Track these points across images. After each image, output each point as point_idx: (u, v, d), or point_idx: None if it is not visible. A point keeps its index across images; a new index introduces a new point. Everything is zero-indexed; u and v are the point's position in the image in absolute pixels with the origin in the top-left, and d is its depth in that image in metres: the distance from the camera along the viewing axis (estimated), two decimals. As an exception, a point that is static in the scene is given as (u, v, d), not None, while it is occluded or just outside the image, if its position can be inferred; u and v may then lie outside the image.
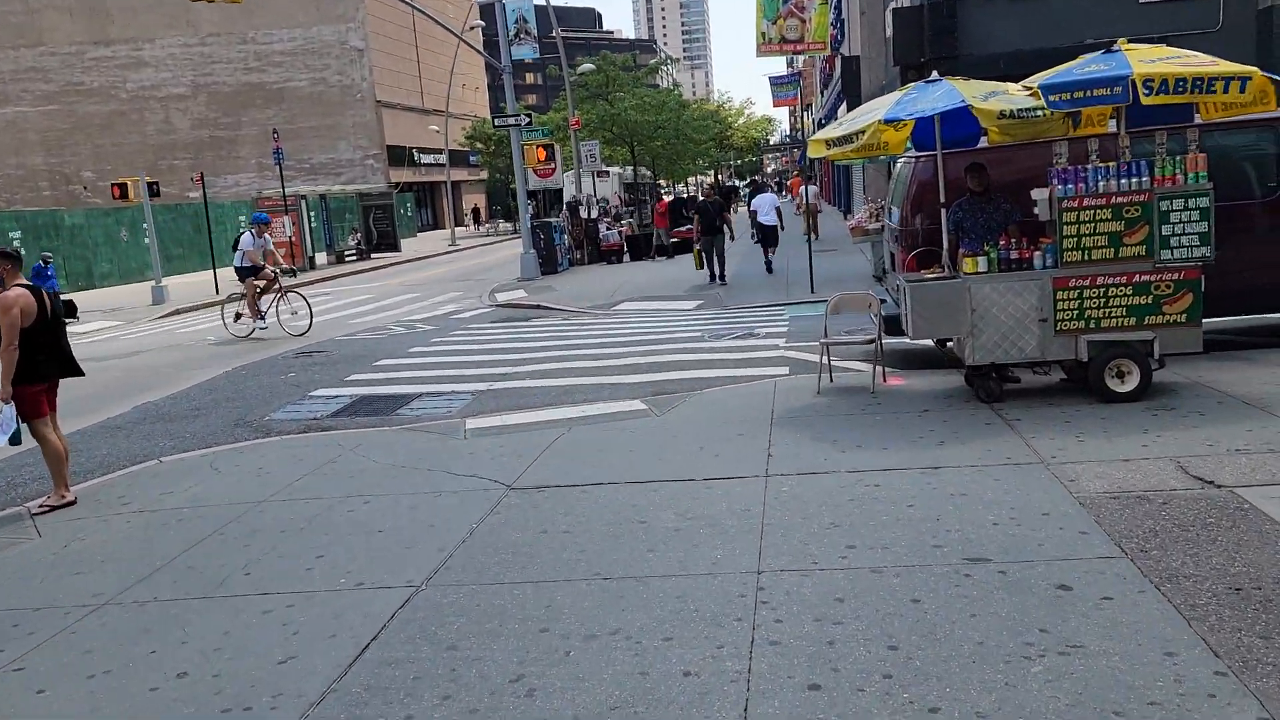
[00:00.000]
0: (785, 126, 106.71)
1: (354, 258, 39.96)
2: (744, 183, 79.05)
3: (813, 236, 25.41)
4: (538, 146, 25.71)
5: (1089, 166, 7.76)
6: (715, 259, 20.25)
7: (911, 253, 9.91)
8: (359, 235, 41.14)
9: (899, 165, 11.34)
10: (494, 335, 15.98)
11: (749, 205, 31.41)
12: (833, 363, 9.86)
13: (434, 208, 70.40)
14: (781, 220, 23.66)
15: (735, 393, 9.71)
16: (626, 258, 28.87)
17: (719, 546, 5.44)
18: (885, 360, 9.60)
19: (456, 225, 63.88)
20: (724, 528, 5.73)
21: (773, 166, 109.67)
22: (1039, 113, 7.62)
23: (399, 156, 61.69)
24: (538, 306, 20.05)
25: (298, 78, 59.78)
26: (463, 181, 70.15)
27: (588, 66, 36.49)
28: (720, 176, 79.31)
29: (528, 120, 24.69)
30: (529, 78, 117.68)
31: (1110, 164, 7.73)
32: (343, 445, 8.77)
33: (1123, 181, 7.68)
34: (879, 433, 7.51)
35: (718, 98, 77.76)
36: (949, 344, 9.04)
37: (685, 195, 41.62)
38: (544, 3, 30.24)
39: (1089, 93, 7.41)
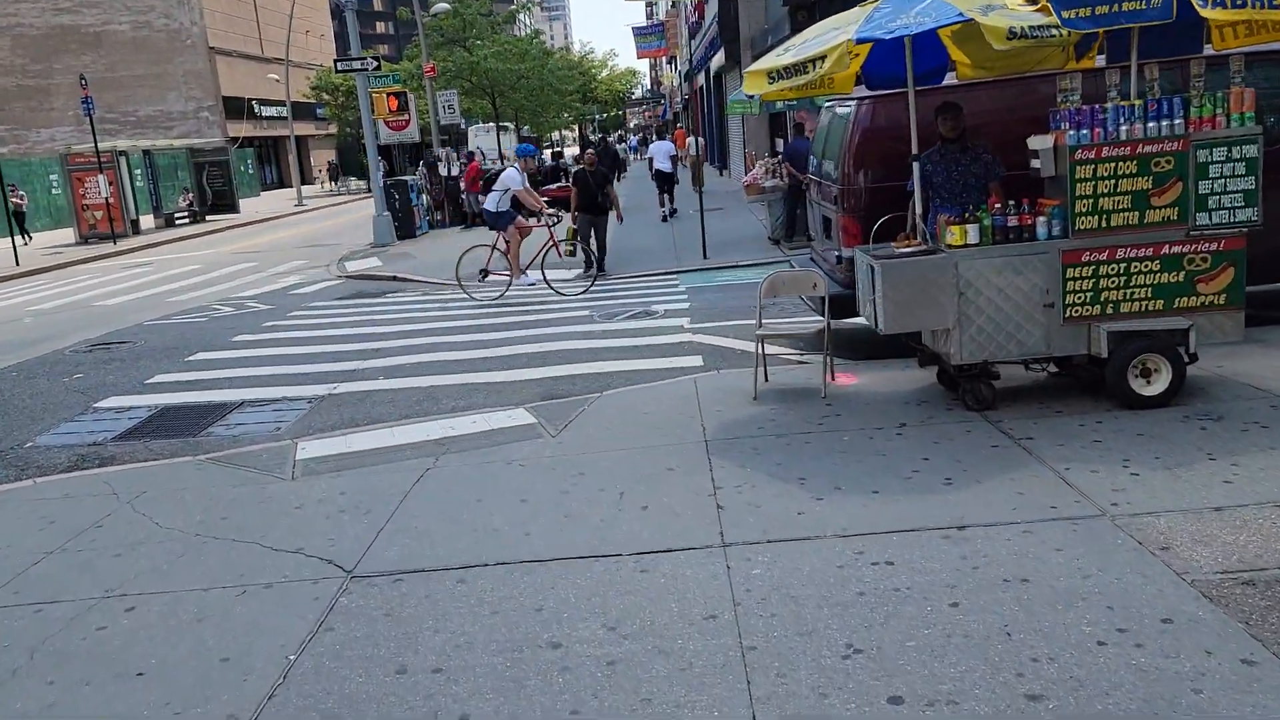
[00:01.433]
0: (647, 81, 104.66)
1: (185, 221, 35.94)
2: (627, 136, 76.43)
3: (700, 190, 24.34)
4: (388, 95, 22.84)
5: (1109, 106, 6.02)
6: (596, 242, 15.39)
7: (852, 215, 8.07)
8: (190, 196, 37.02)
9: (828, 111, 9.46)
10: (340, 317, 13.48)
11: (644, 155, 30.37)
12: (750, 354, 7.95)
13: (279, 165, 65.42)
14: (676, 168, 23.63)
15: (647, 397, 7.69)
16: (492, 219, 26.34)
17: (684, 701, 3.43)
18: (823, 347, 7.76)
19: (305, 183, 59.37)
20: (683, 656, 3.72)
21: (635, 121, 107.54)
22: (1054, 32, 5.80)
23: (237, 108, 56.69)
24: (393, 278, 17.53)
25: (118, 20, 53.92)
26: (310, 136, 65.34)
27: (443, 6, 33.39)
28: (585, 131, 76.69)
29: (375, 65, 21.81)
30: (379, 27, 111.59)
31: (1135, 103, 6.01)
32: (120, 494, 6.34)
33: (1150, 125, 5.97)
34: (856, 464, 5.63)
35: (579, 49, 74.89)
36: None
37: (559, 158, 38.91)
38: None
39: (1116, 7, 5.63)
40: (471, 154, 28.20)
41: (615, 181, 28.00)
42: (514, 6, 47.59)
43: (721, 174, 35.60)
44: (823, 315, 8.15)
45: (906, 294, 6.24)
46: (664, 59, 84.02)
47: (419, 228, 24.23)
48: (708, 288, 13.68)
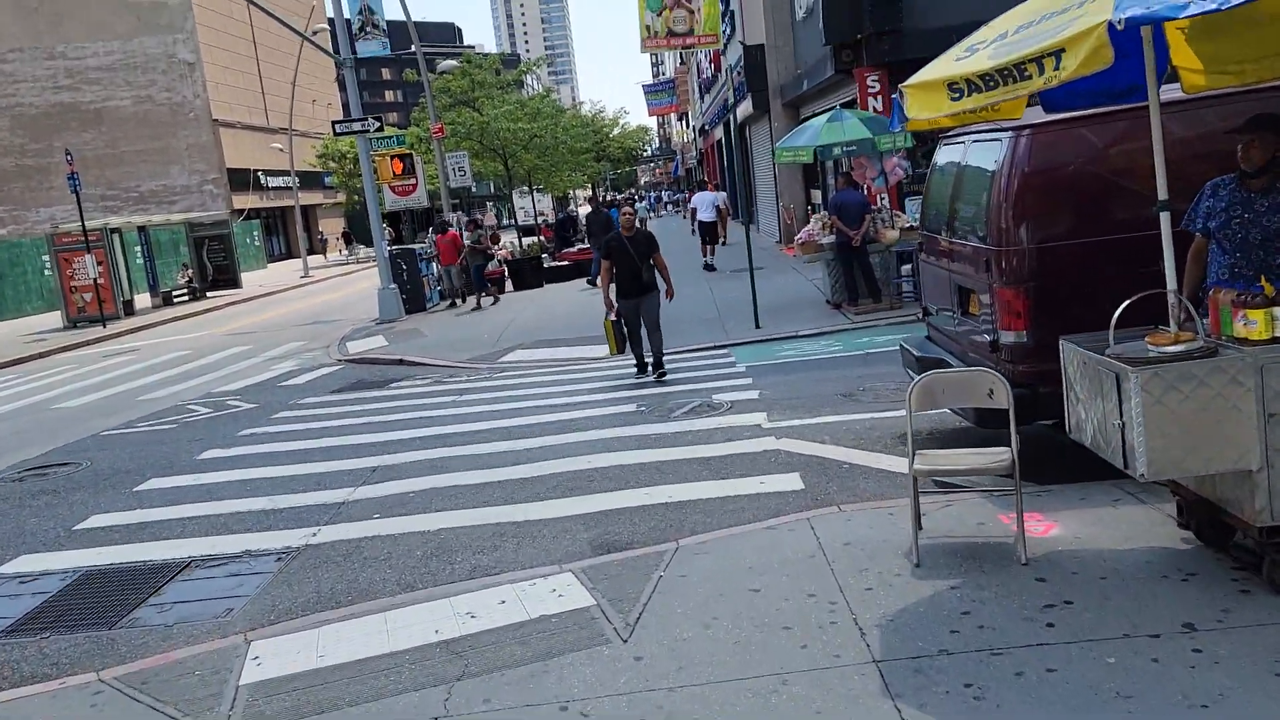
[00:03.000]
0: (655, 139, 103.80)
1: (184, 298, 34.07)
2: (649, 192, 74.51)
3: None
4: (392, 158, 20.92)
5: None
6: (647, 334, 11.29)
7: (1017, 287, 5.82)
8: (189, 272, 35.22)
9: (948, 149, 7.28)
10: (334, 419, 11.24)
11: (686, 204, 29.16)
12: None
13: (288, 235, 63.98)
14: (723, 219, 24.54)
15: (749, 555, 5.38)
16: (509, 287, 24.31)
17: None
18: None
19: (314, 253, 57.77)
20: None
21: (645, 179, 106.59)
22: None
23: (242, 180, 55.28)
24: (400, 361, 15.37)
25: (119, 95, 52.82)
26: (317, 205, 63.98)
27: (450, 63, 31.72)
28: (598, 191, 75.16)
29: (377, 126, 19.92)
30: (388, 95, 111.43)
31: None
32: (-45, 770, 4.07)
33: None
34: (1167, 728, 3.29)
35: (589, 108, 73.65)
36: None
37: (570, 212, 36.96)
38: (402, 18, 25.02)
39: None
40: (447, 223, 24.06)
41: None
42: (521, 67, 46.16)
43: (748, 229, 33.49)
44: (983, 423, 5.91)
45: (1183, 420, 3.95)
46: (674, 115, 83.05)
47: (429, 299, 22.19)
48: (771, 366, 11.44)
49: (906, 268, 14.33)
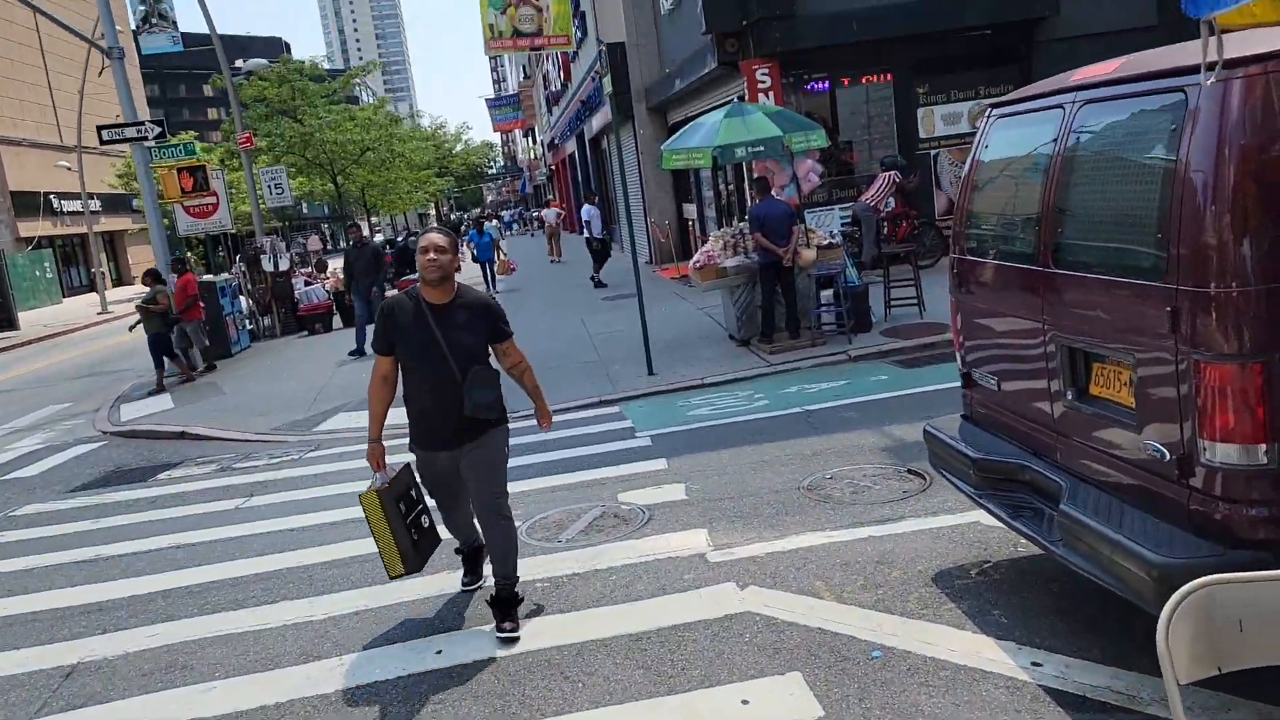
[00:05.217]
0: (500, 157, 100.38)
1: (-54, 344, 28.54)
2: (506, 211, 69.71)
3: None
4: (179, 171, 16.93)
5: None
6: (478, 519, 5.00)
7: (1245, 360, 3.03)
8: (-48, 312, 29.69)
9: (1024, 124, 4.48)
10: (52, 548, 7.52)
11: (580, 219, 26.19)
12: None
13: (89, 265, 57.12)
14: (609, 234, 22.64)
15: None
16: (337, 322, 20.54)
17: None
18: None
19: (123, 284, 51.66)
20: None
21: (492, 196, 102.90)
22: None
23: (31, 205, 48.68)
24: (182, 435, 11.66)
25: (-125, 109, 45.60)
26: (124, 231, 57.47)
27: (259, 61, 27.53)
28: (442, 210, 71.01)
29: (157, 131, 15.95)
30: (210, 113, 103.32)
31: None
32: None
33: None
34: None
35: (428, 123, 69.39)
36: None
37: (407, 238, 32.38)
38: (220, 32, 20.57)
39: None
40: (260, 249, 19.70)
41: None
42: (350, 71, 41.77)
43: (633, 251, 30.52)
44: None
45: None
46: (519, 131, 79.70)
47: (235, 342, 18.22)
48: (684, 435, 8.48)
49: (827, 294, 11.69)
